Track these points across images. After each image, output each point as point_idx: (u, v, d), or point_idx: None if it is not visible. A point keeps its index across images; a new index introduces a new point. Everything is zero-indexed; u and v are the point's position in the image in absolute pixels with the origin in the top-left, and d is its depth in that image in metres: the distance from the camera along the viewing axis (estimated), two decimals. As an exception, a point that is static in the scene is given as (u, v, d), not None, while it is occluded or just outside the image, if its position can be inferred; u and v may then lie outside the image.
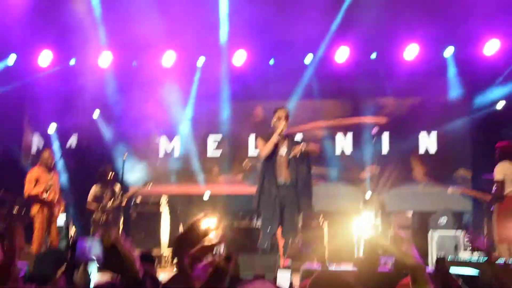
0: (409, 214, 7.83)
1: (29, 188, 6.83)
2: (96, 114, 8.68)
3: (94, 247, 2.65)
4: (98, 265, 2.60)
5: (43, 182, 6.93)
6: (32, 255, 6.07)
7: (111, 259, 1.80)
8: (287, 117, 5.75)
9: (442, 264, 2.34)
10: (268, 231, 5.75)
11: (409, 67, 8.14)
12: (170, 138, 9.01)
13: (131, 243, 1.84)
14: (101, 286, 1.89)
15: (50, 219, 6.96)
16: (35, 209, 6.86)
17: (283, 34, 7.98)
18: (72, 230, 7.89)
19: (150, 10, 7.47)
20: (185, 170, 8.89)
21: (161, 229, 7.48)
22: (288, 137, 5.88)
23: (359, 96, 8.47)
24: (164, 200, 7.72)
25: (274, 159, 5.79)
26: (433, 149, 8.50)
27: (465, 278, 3.24)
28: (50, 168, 7.09)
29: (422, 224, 7.58)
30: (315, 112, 8.73)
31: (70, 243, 3.66)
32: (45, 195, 6.87)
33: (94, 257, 2.61)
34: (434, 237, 6.91)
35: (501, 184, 5.97)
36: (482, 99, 8.06)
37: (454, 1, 7.25)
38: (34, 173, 6.97)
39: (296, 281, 4.09)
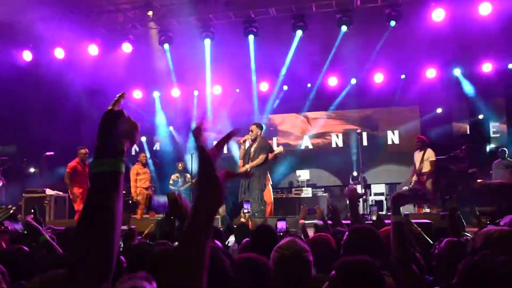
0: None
1: (133, 179, 9.56)
2: (171, 128, 12.14)
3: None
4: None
5: (141, 174, 9.58)
6: (138, 220, 8.42)
7: (173, 207, 2.52)
8: (257, 128, 7.75)
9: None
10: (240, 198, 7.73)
11: (377, 88, 11.11)
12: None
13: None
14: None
15: (147, 197, 9.63)
16: (136, 192, 9.54)
17: (293, 69, 10.75)
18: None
19: (205, 60, 10.25)
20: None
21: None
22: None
23: (344, 107, 11.74)
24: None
25: (248, 153, 7.77)
26: (396, 141, 11.83)
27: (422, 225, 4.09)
28: (144, 164, 9.76)
29: (391, 191, 10.66)
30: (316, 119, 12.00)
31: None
32: (142, 183, 9.60)
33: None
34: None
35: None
36: (426, 107, 11.16)
37: (404, 43, 9.38)
38: (135, 168, 9.63)
39: (310, 232, 4.77)
